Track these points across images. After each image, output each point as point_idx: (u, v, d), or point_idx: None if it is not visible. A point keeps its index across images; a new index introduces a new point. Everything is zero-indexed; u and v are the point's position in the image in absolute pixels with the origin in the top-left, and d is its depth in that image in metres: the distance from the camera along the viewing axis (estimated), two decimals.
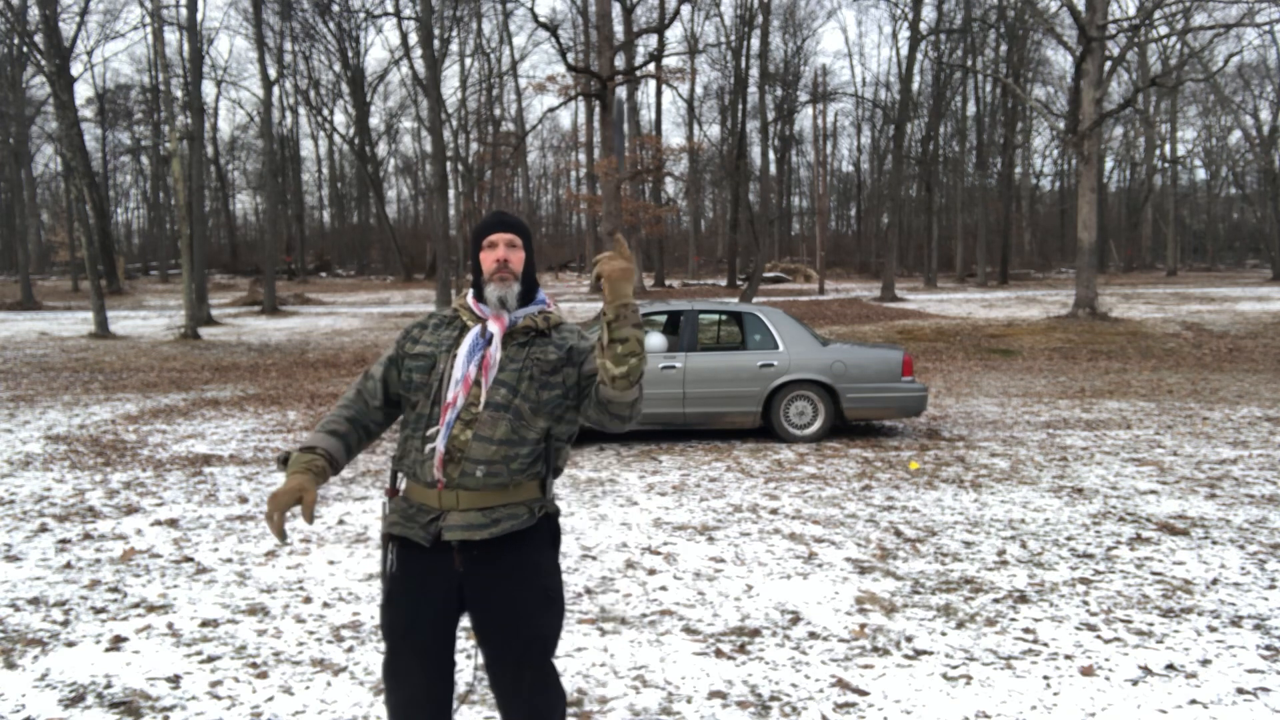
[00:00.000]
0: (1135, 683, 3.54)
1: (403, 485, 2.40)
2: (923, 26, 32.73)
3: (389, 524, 2.37)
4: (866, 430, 9.45)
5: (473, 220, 39.80)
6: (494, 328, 2.34)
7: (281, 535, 2.28)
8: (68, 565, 5.08)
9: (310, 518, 2.29)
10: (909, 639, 3.99)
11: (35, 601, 4.50)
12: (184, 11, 24.97)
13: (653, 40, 35.92)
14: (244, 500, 6.59)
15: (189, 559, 5.19)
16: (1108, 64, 21.52)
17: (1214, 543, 5.35)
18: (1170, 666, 3.68)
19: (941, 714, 3.30)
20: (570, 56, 30.09)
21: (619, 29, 25.31)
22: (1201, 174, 58.04)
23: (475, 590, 2.28)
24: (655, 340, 8.74)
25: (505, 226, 2.40)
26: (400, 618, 2.33)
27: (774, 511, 6.19)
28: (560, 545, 2.43)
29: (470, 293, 2.45)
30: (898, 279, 35.31)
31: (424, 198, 59.84)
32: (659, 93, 43.84)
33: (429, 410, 2.32)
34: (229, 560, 5.17)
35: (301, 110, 54.12)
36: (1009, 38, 38.17)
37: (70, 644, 3.98)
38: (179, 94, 31.60)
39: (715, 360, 8.93)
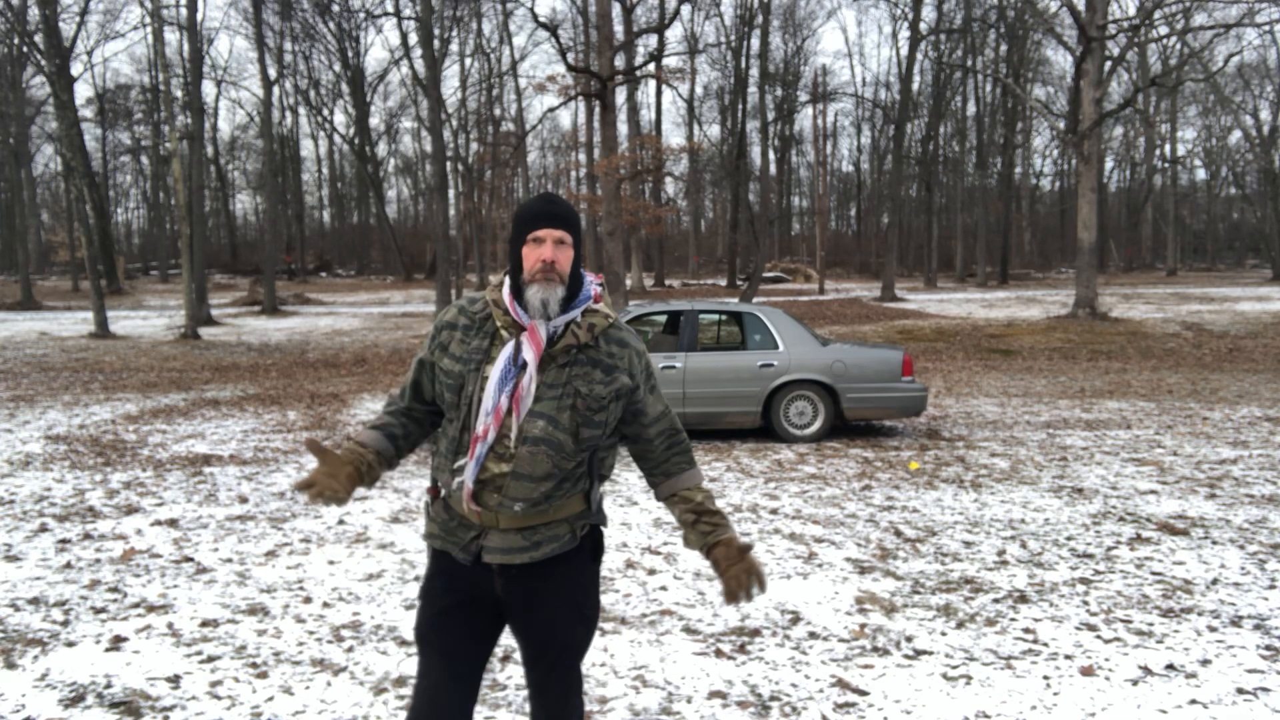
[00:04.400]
0: (1135, 683, 3.54)
1: (444, 491, 2.25)
2: (923, 26, 32.75)
3: (429, 533, 2.27)
4: (866, 430, 9.45)
5: (473, 221, 39.84)
6: (528, 353, 2.08)
7: (339, 499, 2.15)
8: (68, 565, 5.08)
9: (344, 491, 2.15)
10: (909, 639, 3.98)
11: (35, 601, 4.50)
12: (184, 11, 24.98)
13: (653, 40, 35.93)
14: (244, 500, 6.59)
15: (189, 559, 5.19)
16: (1108, 64, 21.52)
17: (1214, 543, 5.35)
18: (1170, 666, 3.68)
19: (941, 714, 3.30)
20: (570, 56, 30.09)
21: (619, 29, 25.30)
22: (1201, 174, 58.09)
23: (512, 605, 2.21)
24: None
25: (555, 220, 2.11)
26: (430, 620, 2.24)
27: (774, 511, 6.19)
28: (602, 556, 2.32)
29: (506, 284, 2.17)
30: (898, 279, 35.32)
31: (424, 198, 59.88)
32: (659, 93, 43.86)
33: (459, 435, 2.14)
34: (229, 560, 5.17)
35: (301, 110, 54.16)
36: (1009, 38, 38.18)
37: (70, 644, 3.98)
38: (179, 94, 31.60)
39: (715, 360, 8.93)
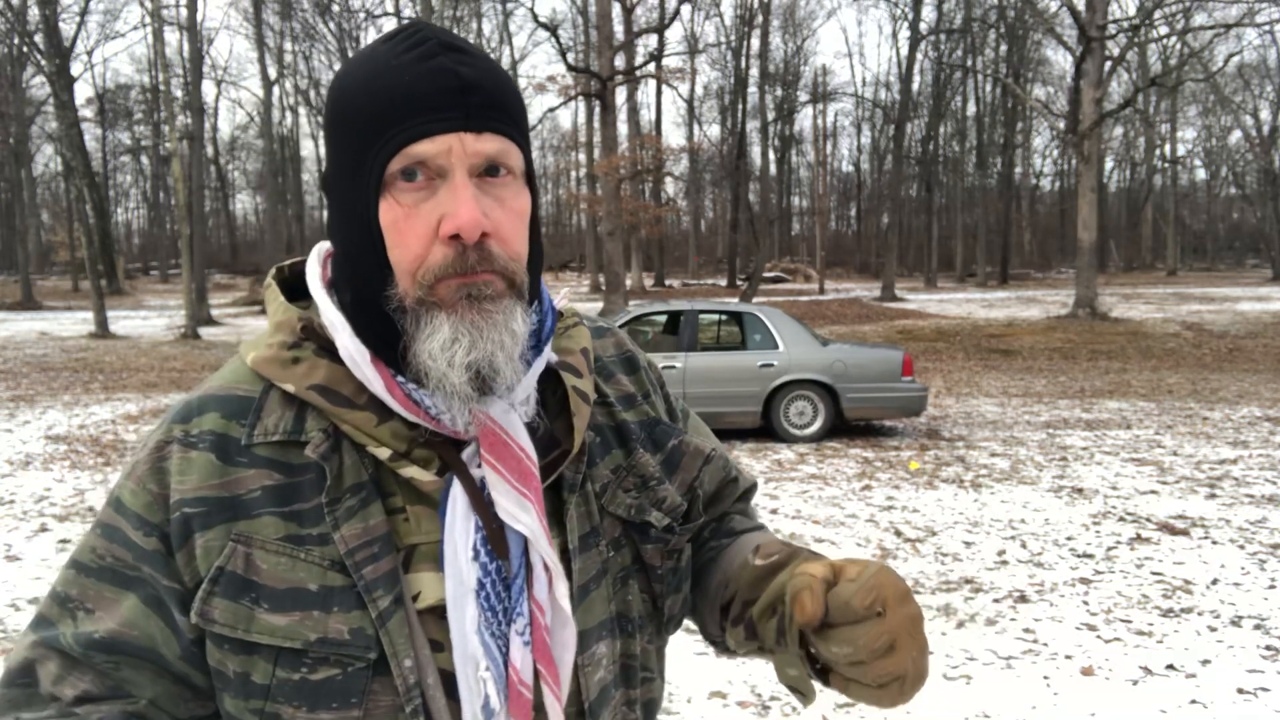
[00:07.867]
0: (1135, 683, 3.54)
1: None
2: (923, 26, 32.78)
3: None
4: (866, 430, 9.45)
5: None
6: (515, 503, 0.77)
7: None
8: None
9: None
10: None
11: (35, 601, 4.50)
12: (184, 11, 25.00)
13: (653, 40, 35.94)
14: None
15: None
16: (1108, 64, 21.53)
17: (1214, 543, 5.35)
18: (1170, 666, 3.68)
19: (941, 714, 3.30)
20: (570, 56, 30.13)
21: (619, 29, 25.32)
22: (1201, 174, 58.11)
23: None
24: None
25: (471, 103, 0.71)
26: None
27: (774, 511, 6.19)
28: None
29: (343, 331, 0.76)
30: (898, 279, 35.30)
31: None
32: (659, 93, 43.94)
33: None
34: None
35: (301, 110, 54.11)
36: (1009, 38, 38.20)
37: None
38: (179, 94, 31.60)
39: (715, 360, 8.93)
